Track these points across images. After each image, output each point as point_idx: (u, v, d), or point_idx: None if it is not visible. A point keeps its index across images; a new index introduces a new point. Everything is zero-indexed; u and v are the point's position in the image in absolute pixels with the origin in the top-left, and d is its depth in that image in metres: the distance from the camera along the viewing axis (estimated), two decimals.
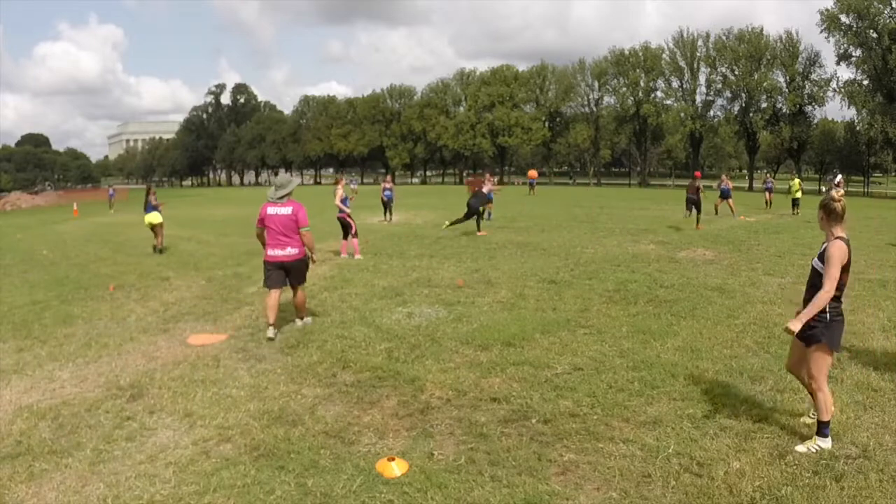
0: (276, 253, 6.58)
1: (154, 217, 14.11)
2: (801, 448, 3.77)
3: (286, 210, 6.57)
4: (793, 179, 24.65)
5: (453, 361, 5.62)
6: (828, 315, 3.74)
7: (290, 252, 6.58)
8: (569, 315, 7.20)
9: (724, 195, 21.75)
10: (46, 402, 4.92)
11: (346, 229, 12.19)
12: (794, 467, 3.58)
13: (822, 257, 3.78)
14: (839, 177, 21.68)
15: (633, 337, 6.25)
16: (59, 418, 4.59)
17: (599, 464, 3.68)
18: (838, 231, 3.76)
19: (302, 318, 7.05)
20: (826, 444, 3.79)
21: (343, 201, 12.03)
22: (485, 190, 16.74)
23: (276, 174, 7.77)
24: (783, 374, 5.06)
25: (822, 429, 3.83)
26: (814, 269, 3.86)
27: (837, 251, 3.68)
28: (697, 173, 20.21)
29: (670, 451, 3.80)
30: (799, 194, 23.10)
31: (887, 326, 6.59)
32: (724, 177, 22.80)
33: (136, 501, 3.43)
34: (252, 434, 4.22)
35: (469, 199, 15.59)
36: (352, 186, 40.63)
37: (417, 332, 6.57)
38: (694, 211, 17.94)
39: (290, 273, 6.69)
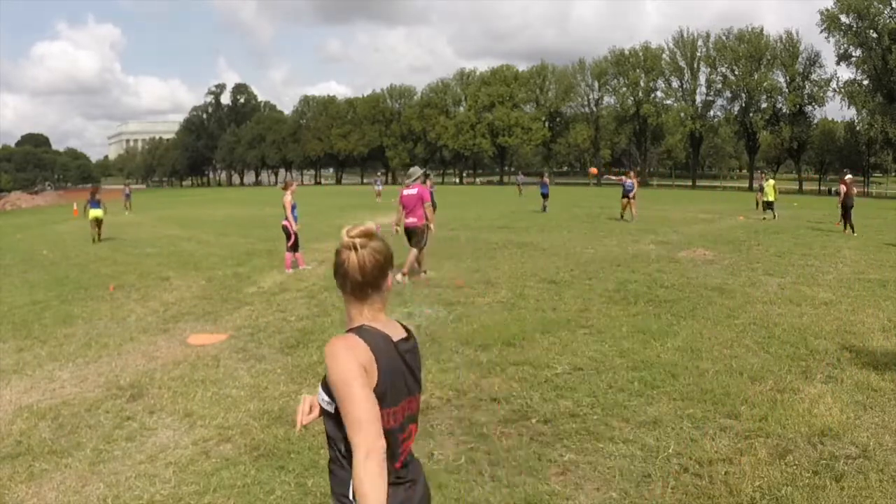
0: (405, 221, 9.66)
1: (99, 212, 17.01)
2: None
3: (413, 192, 9.58)
4: (766, 180, 20.93)
5: (453, 361, 5.61)
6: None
7: (411, 220, 9.59)
8: (569, 315, 7.19)
9: (626, 193, 19.72)
10: (46, 402, 4.92)
11: (289, 239, 10.81)
12: (794, 467, 3.57)
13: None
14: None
15: (633, 337, 6.25)
16: (59, 418, 4.59)
17: (599, 464, 3.68)
18: (365, 313, 1.75)
19: (425, 272, 9.91)
20: None
21: (291, 209, 10.70)
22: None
23: (410, 167, 10.44)
24: (783, 374, 5.07)
25: None
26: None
27: (338, 361, 1.64)
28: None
29: (670, 451, 3.80)
30: (772, 197, 20.08)
31: (887, 326, 6.59)
32: (631, 173, 20.84)
33: (136, 501, 3.42)
34: (252, 434, 4.22)
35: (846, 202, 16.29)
36: (377, 188, 39.48)
37: (417, 332, 6.54)
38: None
39: (412, 236, 9.59)
